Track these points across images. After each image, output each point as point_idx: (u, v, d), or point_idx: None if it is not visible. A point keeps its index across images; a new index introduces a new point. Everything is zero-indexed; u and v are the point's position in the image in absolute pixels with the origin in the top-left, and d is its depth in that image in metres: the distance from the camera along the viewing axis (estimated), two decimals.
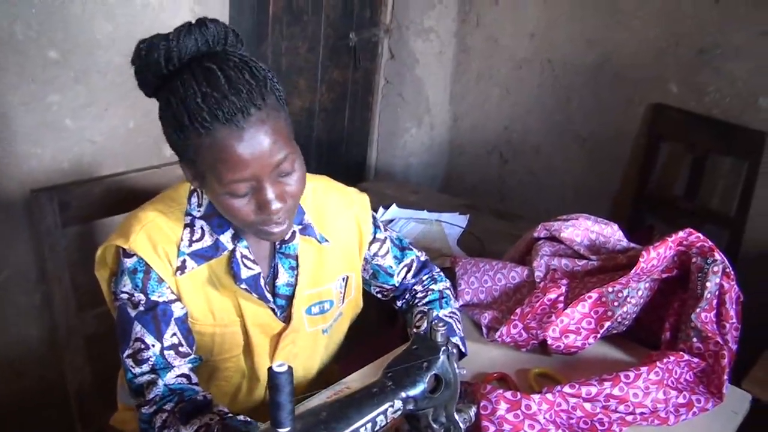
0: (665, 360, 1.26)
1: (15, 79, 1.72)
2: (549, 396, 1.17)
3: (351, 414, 0.86)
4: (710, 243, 1.39)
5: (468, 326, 1.49)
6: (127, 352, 1.13)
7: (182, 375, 1.15)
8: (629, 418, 1.21)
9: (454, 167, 3.36)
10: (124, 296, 1.13)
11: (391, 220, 2.20)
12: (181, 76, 1.00)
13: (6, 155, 1.75)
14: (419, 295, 1.42)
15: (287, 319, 1.24)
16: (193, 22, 1.02)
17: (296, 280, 1.23)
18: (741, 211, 2.43)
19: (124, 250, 1.13)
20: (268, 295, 1.21)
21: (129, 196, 1.56)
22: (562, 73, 2.89)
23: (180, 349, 1.15)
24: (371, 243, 1.35)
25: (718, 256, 1.36)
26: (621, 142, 2.77)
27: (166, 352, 1.13)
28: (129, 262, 1.13)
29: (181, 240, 1.14)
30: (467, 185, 3.29)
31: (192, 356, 1.17)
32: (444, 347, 0.96)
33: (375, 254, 1.37)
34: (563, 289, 1.44)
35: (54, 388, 1.93)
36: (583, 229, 1.55)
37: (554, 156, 3.00)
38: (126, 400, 1.42)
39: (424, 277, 1.44)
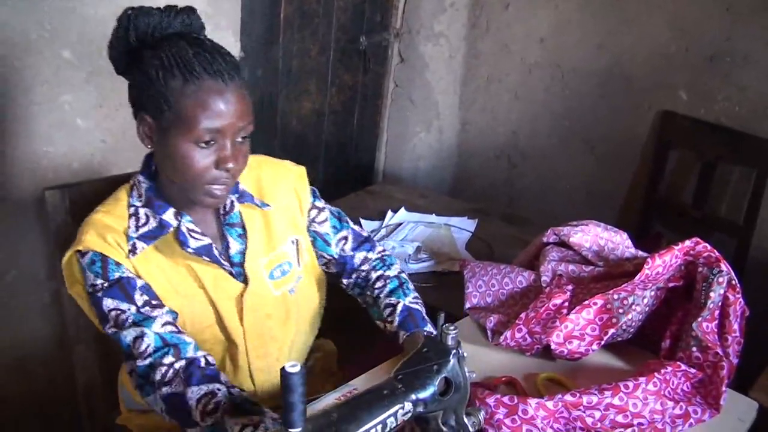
0: (663, 370, 1.25)
1: (28, 80, 1.73)
2: (549, 404, 1.17)
3: (362, 416, 0.87)
4: (717, 253, 1.39)
5: (475, 330, 1.49)
6: (108, 325, 1.18)
7: (168, 323, 1.18)
8: (628, 431, 1.20)
9: (462, 171, 3.36)
10: (91, 289, 1.18)
11: (400, 224, 2.20)
12: (170, 40, 1.14)
13: (17, 154, 1.76)
14: (377, 285, 1.44)
15: (246, 282, 1.29)
16: (180, 6, 1.18)
17: (246, 245, 1.29)
18: (749, 219, 2.43)
19: (80, 251, 1.18)
20: (223, 261, 1.27)
21: None
22: (571, 79, 2.89)
23: (153, 302, 1.19)
24: (310, 209, 1.41)
25: (724, 267, 1.36)
26: (630, 148, 2.77)
27: (142, 309, 1.17)
28: (86, 259, 1.18)
29: (129, 227, 1.21)
30: (476, 189, 3.29)
31: (167, 308, 1.21)
32: (454, 350, 0.96)
33: (313, 220, 1.42)
34: (568, 294, 1.44)
35: (61, 385, 1.93)
36: (593, 235, 1.55)
37: (563, 161, 3.00)
38: (130, 404, 1.43)
39: (371, 256, 1.47)
